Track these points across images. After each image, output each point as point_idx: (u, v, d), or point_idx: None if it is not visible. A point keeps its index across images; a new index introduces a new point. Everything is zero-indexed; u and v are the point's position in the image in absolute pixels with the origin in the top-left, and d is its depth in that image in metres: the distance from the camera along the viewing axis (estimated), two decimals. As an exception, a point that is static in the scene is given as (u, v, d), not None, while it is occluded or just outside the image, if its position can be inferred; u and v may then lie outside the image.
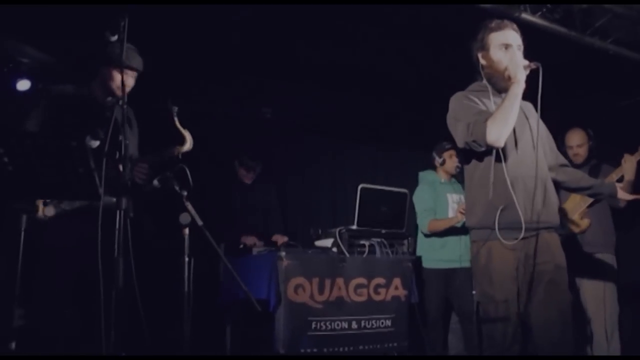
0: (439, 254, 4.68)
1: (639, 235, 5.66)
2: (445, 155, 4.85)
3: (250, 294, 3.05)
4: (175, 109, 3.02)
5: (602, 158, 4.58)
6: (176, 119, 3.05)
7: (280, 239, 4.69)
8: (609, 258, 4.34)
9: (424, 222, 4.74)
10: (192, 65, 4.89)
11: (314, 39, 4.83)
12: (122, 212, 2.21)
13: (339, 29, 4.71)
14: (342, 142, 6.46)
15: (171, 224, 2.85)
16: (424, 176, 4.98)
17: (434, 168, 4.96)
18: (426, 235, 4.77)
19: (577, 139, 4.56)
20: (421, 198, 4.82)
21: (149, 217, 3.26)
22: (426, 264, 4.75)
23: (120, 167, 2.34)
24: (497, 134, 2.63)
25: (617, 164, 4.24)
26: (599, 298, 4.20)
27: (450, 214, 4.73)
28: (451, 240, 4.67)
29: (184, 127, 3.12)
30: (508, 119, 2.66)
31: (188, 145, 3.12)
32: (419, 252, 4.79)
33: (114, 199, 2.23)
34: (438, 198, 4.79)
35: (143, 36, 2.99)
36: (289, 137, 6.07)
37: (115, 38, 2.49)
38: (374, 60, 5.27)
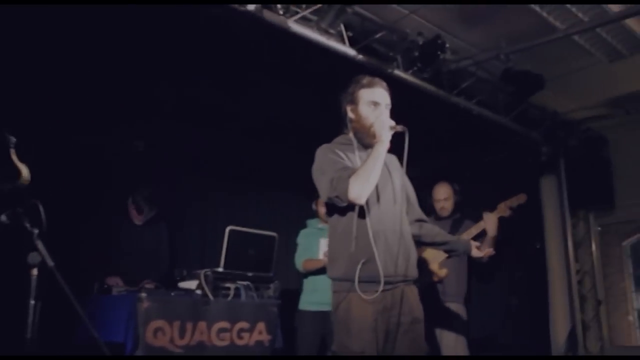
0: (313, 297, 4.71)
1: (496, 287, 6.02)
2: (318, 204, 4.94)
3: (98, 336, 2.86)
4: (13, 140, 2.74)
5: (466, 212, 4.81)
6: (12, 151, 2.76)
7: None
8: (459, 308, 4.53)
9: (299, 261, 4.83)
10: (59, 91, 4.64)
11: (189, 77, 4.78)
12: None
13: (216, 68, 4.69)
14: (215, 181, 6.38)
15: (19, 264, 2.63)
16: (310, 223, 5.09)
17: (316, 214, 5.05)
18: (303, 277, 4.83)
19: (443, 193, 4.76)
20: (299, 241, 4.95)
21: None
22: (301, 305, 4.79)
23: None
24: (359, 191, 2.68)
25: (479, 218, 4.47)
26: (450, 347, 4.37)
27: (321, 257, 4.78)
28: (323, 284, 4.69)
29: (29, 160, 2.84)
30: (370, 177, 2.71)
31: (23, 179, 2.81)
32: None
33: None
34: (311, 241, 4.87)
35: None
36: (161, 173, 5.89)
37: None
38: (252, 101, 5.28)
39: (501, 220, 4.38)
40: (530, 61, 4.97)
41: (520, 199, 4.46)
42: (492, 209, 4.44)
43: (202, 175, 6.25)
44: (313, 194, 4.85)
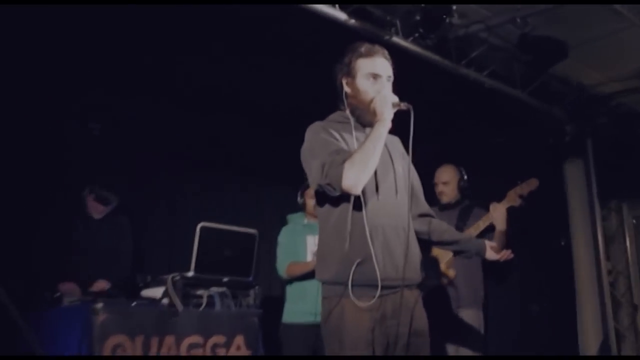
0: (300, 306, 4.65)
1: (511, 291, 5.99)
2: (306, 195, 4.88)
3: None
4: None
5: (476, 199, 4.78)
6: None
7: (99, 285, 4.45)
8: (475, 316, 4.48)
9: (282, 265, 4.75)
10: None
11: (150, 44, 4.73)
12: None
13: (181, 33, 4.65)
14: (185, 170, 6.29)
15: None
16: (292, 218, 5.04)
17: (303, 208, 4.99)
18: (287, 283, 4.76)
19: (444, 176, 4.77)
20: (280, 241, 4.87)
21: None
22: (286, 317, 4.72)
23: None
24: (355, 179, 2.65)
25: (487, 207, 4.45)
26: (463, 361, 4.34)
27: (309, 258, 4.73)
28: (312, 290, 4.65)
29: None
30: (368, 162, 2.68)
31: None
32: None
33: None
34: (296, 241, 4.81)
35: None
36: (122, 160, 5.81)
37: None
38: (225, 74, 5.23)
39: (513, 212, 4.37)
40: (552, 25, 4.95)
41: (531, 184, 4.45)
42: (501, 198, 4.43)
43: (169, 164, 6.17)
44: (300, 183, 4.88)
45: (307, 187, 4.80)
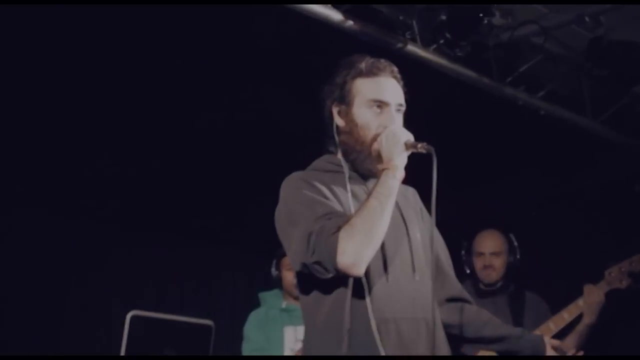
0: None
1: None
2: (283, 265, 4.92)
3: None
4: None
5: (522, 282, 4.82)
6: None
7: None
8: None
9: None
10: None
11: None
12: None
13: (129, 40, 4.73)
14: (113, 230, 6.41)
15: None
16: (265, 298, 5.06)
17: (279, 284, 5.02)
18: None
19: (490, 244, 4.80)
20: (247, 334, 4.91)
21: None
22: None
23: None
24: (355, 254, 2.61)
25: (549, 293, 4.45)
26: None
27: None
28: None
29: None
30: (374, 229, 2.65)
31: None
32: None
33: None
34: (269, 334, 4.86)
35: None
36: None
37: None
38: (176, 100, 5.31)
39: (611, 296, 4.38)
40: (636, 26, 4.98)
41: None
42: (594, 277, 4.45)
43: (90, 222, 6.29)
44: (274, 250, 4.90)
45: (283, 254, 4.79)
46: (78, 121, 5.32)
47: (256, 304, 5.08)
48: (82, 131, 5.39)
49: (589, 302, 4.35)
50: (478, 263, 4.78)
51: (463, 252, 4.89)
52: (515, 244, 4.84)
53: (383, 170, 2.76)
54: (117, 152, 5.80)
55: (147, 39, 4.52)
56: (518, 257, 4.83)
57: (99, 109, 5.23)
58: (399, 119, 2.91)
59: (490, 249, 4.79)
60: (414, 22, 4.72)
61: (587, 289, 4.38)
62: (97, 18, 4.31)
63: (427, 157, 2.76)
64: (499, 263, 4.77)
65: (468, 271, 4.85)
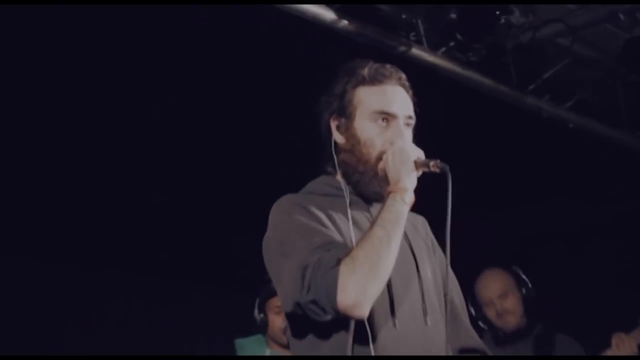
0: None
1: None
2: (269, 307, 4.93)
3: None
4: None
5: (550, 322, 4.84)
6: None
7: None
8: None
9: None
10: None
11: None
12: None
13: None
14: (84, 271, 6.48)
15: None
16: (243, 345, 5.05)
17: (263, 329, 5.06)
18: None
19: (496, 287, 4.80)
20: None
21: None
22: None
23: None
24: (357, 293, 2.55)
25: (581, 332, 4.45)
26: None
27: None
28: None
29: None
30: (380, 264, 2.60)
31: None
32: None
33: None
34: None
35: None
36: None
37: None
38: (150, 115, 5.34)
39: None
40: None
41: None
42: (626, 329, 4.47)
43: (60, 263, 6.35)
44: (256, 288, 4.89)
45: (270, 294, 4.82)
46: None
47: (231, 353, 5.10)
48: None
49: (618, 354, 4.32)
50: (490, 312, 4.77)
51: (470, 307, 4.83)
52: (523, 276, 4.82)
53: (390, 193, 2.72)
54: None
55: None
56: (530, 287, 4.81)
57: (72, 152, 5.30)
58: (408, 133, 2.89)
59: (497, 292, 4.78)
60: (419, 22, 4.76)
61: (617, 338, 4.39)
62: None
63: (440, 177, 2.73)
64: (512, 304, 4.76)
65: (484, 326, 4.80)
